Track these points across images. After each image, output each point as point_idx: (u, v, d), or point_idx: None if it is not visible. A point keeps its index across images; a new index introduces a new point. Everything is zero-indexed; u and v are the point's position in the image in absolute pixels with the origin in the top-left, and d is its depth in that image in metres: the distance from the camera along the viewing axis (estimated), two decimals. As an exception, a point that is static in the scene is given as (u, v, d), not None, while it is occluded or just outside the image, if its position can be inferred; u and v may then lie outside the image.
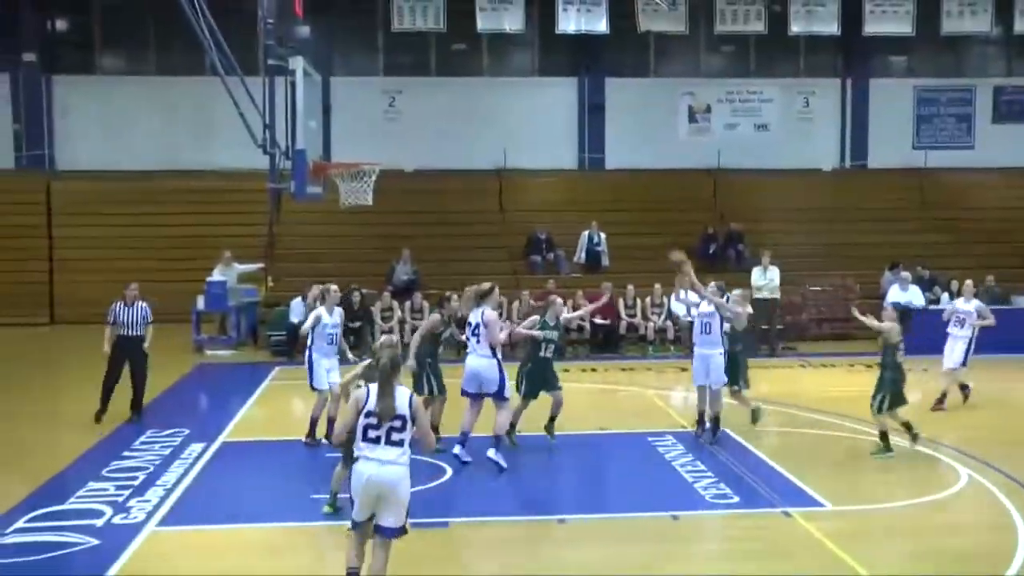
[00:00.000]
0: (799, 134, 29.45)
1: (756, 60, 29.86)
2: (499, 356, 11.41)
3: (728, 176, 28.32)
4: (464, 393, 11.55)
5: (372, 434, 6.96)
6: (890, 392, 11.65)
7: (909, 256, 22.44)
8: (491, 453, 11.03)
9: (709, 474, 10.75)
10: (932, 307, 19.69)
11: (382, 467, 6.92)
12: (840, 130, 29.73)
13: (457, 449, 11.18)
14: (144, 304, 14.00)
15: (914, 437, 11.76)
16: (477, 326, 11.47)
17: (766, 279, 20.46)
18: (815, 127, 29.63)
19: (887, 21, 26.91)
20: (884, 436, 11.70)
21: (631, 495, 10.35)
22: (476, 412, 11.50)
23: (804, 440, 12.62)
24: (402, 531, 7.10)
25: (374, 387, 7.01)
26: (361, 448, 7.00)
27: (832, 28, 26.94)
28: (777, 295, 20.58)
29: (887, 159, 29.33)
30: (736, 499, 9.93)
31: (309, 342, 12.36)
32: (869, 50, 29.26)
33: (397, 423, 6.96)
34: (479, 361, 11.40)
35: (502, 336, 11.72)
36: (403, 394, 7.05)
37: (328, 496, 9.44)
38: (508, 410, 11.49)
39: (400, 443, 6.97)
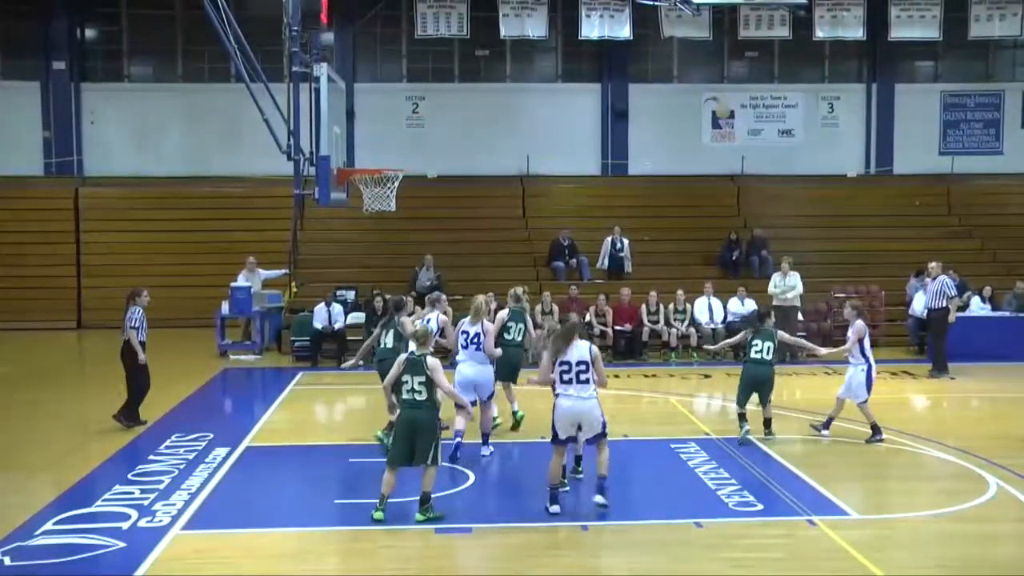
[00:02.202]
0: (823, 140, 29.33)
1: (780, 65, 29.74)
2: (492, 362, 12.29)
3: (751, 182, 28.22)
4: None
5: (566, 377, 9.59)
6: None
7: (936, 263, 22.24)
8: (485, 451, 11.93)
9: (732, 481, 10.67)
10: (959, 313, 19.52)
11: (577, 400, 9.57)
12: (865, 136, 29.57)
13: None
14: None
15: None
16: (477, 335, 12.08)
17: (785, 285, 20.31)
18: (840, 133, 29.49)
19: (914, 26, 26.75)
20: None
21: (654, 502, 10.30)
22: (469, 415, 11.85)
23: (829, 448, 12.51)
24: (604, 434, 9.73)
25: (567, 347, 9.55)
26: (560, 389, 9.64)
27: (857, 33, 26.81)
28: (798, 302, 20.42)
29: (913, 165, 29.14)
30: (760, 507, 9.85)
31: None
32: (895, 55, 29.09)
33: (582, 367, 9.55)
34: (476, 368, 12.09)
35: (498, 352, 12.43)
36: (584, 345, 9.66)
37: (378, 502, 9.41)
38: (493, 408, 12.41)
39: (587, 381, 9.59)
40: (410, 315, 12.65)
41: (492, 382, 12.30)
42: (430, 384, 9.42)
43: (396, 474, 9.45)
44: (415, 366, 9.49)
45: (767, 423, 12.74)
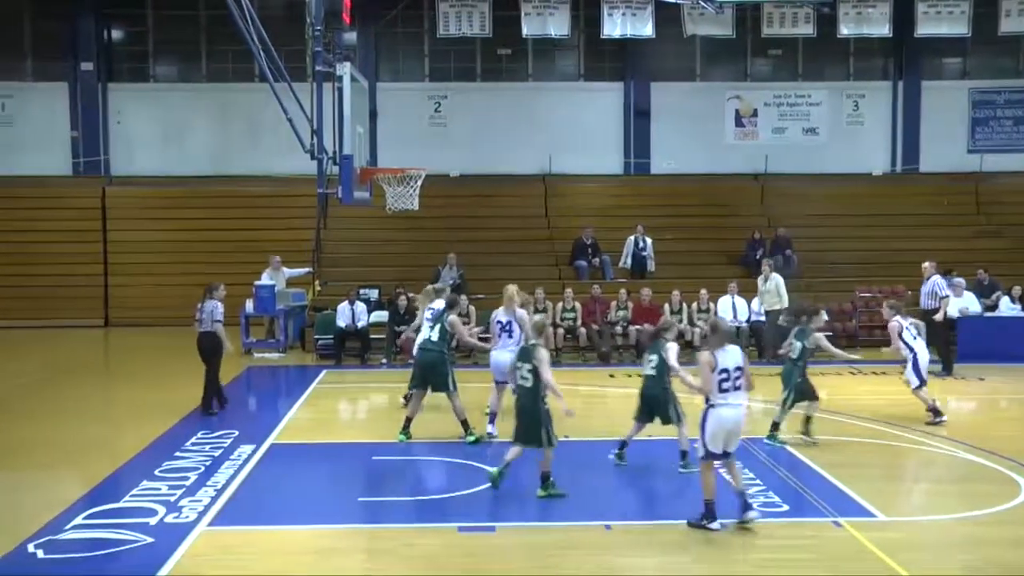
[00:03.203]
0: (848, 138, 29.16)
1: (804, 63, 29.59)
2: None
3: (775, 181, 28.11)
4: (497, 382, 12.69)
5: (725, 386, 9.04)
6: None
7: (964, 262, 22.10)
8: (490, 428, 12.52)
9: (758, 482, 10.61)
10: (988, 314, 19.34)
11: (738, 410, 9.09)
12: (891, 134, 29.37)
13: (488, 427, 12.57)
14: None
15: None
16: (509, 323, 12.48)
17: (765, 289, 20.04)
18: (865, 131, 29.32)
19: (941, 22, 26.51)
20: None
21: (678, 502, 10.22)
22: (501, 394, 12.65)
23: (855, 449, 12.42)
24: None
25: (720, 351, 9.05)
26: (720, 397, 9.02)
27: (883, 30, 26.63)
28: (779, 305, 19.61)
29: (940, 163, 28.91)
30: (785, 508, 9.79)
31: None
32: (921, 52, 28.86)
33: (737, 373, 9.07)
34: (509, 356, 11.95)
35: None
36: (736, 349, 9.18)
37: (546, 483, 9.96)
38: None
39: (740, 388, 9.09)
40: (460, 315, 13.02)
41: None
42: (536, 371, 9.91)
43: (522, 448, 10.11)
44: (526, 354, 10.09)
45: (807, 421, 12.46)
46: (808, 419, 12.45)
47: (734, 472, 9.32)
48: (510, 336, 12.46)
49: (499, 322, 12.66)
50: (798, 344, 12.42)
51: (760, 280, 20.34)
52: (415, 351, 13.06)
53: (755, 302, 20.63)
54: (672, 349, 11.16)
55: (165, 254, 26.18)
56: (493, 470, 10.27)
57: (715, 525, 9.02)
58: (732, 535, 9.02)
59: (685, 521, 9.17)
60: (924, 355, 13.76)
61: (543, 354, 10.01)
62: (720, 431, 9.08)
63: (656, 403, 11.22)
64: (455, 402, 12.53)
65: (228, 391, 16.37)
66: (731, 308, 20.50)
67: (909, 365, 13.64)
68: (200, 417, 14.17)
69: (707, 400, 9.17)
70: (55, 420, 14.38)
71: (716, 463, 9.32)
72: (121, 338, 24.86)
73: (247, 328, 21.28)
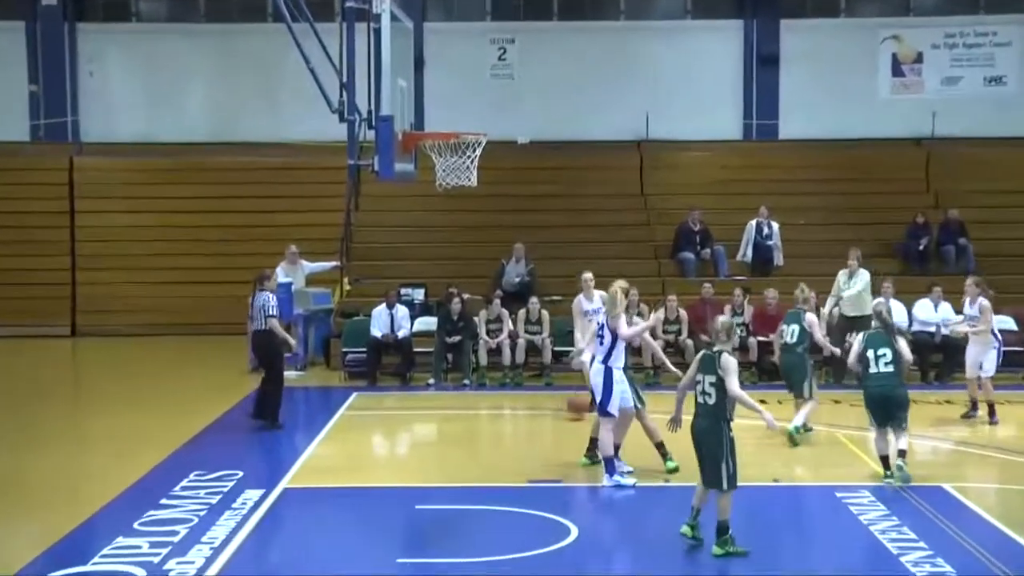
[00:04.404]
0: (1047, 90, 28.68)
1: (987, -11, 29.19)
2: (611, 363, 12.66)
3: (946, 147, 27.76)
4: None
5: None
6: None
7: None
8: (607, 480, 12.43)
9: (921, 544, 10.43)
10: None
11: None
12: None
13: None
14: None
15: None
16: (602, 327, 12.73)
17: (851, 286, 19.47)
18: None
19: None
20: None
21: (818, 570, 10.14)
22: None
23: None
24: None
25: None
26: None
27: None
28: (866, 311, 19.15)
29: None
30: (960, 581, 9.63)
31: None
32: None
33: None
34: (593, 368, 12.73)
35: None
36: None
37: (723, 537, 10.00)
38: (611, 428, 12.61)
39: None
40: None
41: (601, 386, 12.65)
42: (720, 385, 10.12)
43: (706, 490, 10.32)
44: (709, 364, 10.27)
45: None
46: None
47: None
48: (600, 343, 12.77)
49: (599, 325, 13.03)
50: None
51: (842, 276, 19.75)
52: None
53: (923, 307, 20.18)
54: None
55: (151, 243, 26.54)
56: (685, 527, 10.27)
57: None
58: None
59: None
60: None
61: (730, 363, 10.23)
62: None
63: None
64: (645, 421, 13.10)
65: (227, 420, 16.54)
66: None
67: (995, 352, 16.19)
68: (196, 454, 14.28)
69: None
70: (6, 457, 14.51)
71: None
72: (93, 350, 25.21)
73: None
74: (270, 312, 15.55)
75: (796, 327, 15.02)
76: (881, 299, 14.96)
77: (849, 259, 19.68)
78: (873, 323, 13.32)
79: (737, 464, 10.12)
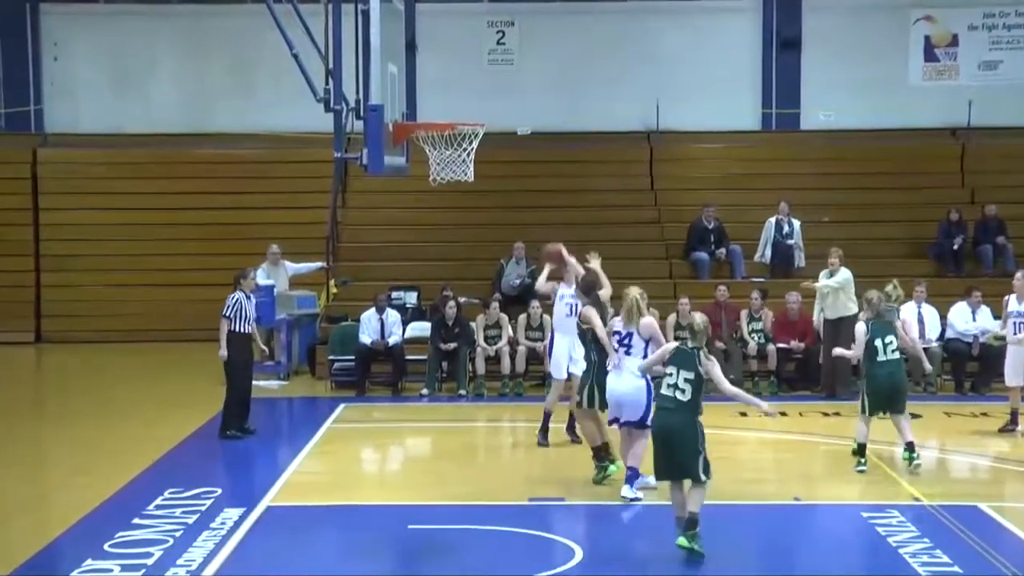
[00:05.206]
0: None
1: (1030, -35, 29.21)
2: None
3: (983, 138, 27.75)
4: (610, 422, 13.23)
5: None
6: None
7: None
8: (626, 491, 12.58)
9: (955, 568, 10.46)
10: None
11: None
12: None
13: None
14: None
15: None
16: (629, 335, 12.81)
17: (833, 283, 19.42)
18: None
19: None
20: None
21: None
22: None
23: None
24: None
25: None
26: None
27: None
28: (848, 312, 19.06)
29: None
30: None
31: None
32: None
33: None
34: (626, 382, 12.74)
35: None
36: None
37: (691, 530, 10.38)
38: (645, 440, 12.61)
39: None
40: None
41: (645, 403, 12.66)
42: (698, 384, 10.65)
43: (679, 489, 10.81)
44: (687, 358, 10.75)
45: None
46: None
47: None
48: (628, 353, 12.84)
49: (616, 332, 13.03)
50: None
51: (823, 274, 19.78)
52: None
53: (960, 312, 20.17)
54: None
55: (120, 243, 26.56)
56: (681, 539, 10.43)
57: None
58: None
59: None
60: None
61: (713, 363, 10.91)
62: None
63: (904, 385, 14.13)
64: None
65: (204, 432, 16.57)
66: (917, 321, 20.14)
67: None
68: (172, 469, 14.34)
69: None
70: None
71: None
72: (59, 358, 25.23)
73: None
74: (224, 311, 15.75)
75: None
76: (873, 289, 14.84)
77: (831, 257, 19.82)
78: (865, 313, 14.17)
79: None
